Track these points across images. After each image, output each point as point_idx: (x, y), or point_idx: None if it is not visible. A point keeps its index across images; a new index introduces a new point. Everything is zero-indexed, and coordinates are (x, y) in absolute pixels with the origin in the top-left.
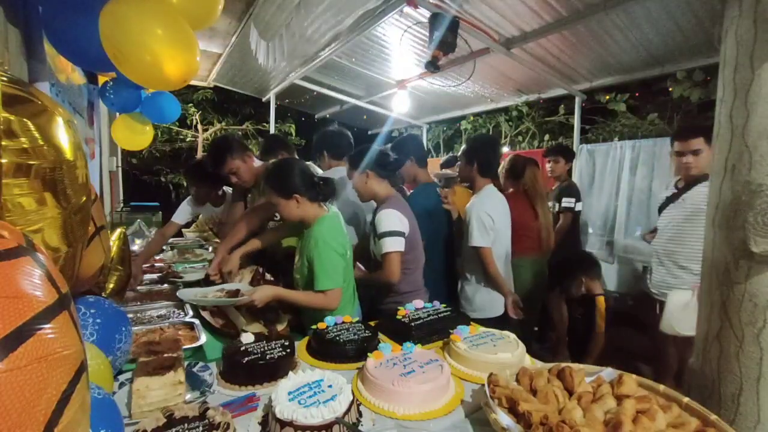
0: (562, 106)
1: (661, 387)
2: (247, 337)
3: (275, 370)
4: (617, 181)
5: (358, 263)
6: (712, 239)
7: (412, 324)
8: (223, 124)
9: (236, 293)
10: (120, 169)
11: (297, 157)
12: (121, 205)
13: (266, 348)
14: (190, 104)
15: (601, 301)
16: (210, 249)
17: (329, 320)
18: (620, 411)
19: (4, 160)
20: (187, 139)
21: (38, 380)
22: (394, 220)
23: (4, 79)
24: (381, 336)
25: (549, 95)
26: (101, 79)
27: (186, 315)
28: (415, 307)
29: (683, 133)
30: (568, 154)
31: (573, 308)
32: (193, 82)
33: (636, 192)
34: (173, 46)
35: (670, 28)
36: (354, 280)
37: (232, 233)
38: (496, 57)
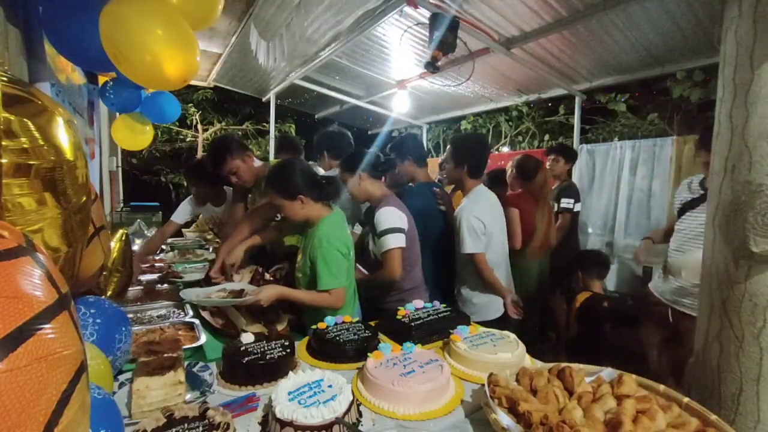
0: (562, 106)
1: (661, 387)
2: (247, 337)
3: (275, 370)
4: (617, 181)
5: (358, 265)
6: (712, 239)
7: (412, 324)
8: (223, 124)
9: (240, 293)
10: (120, 169)
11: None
12: (121, 205)
13: (266, 348)
14: (190, 104)
15: (580, 298)
16: (210, 249)
17: (329, 320)
18: (620, 411)
19: (4, 160)
20: (187, 139)
21: (38, 380)
22: (393, 217)
23: (4, 79)
24: (381, 336)
25: (549, 95)
26: (101, 79)
27: (186, 315)
28: (415, 307)
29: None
30: (569, 154)
31: (569, 306)
32: (193, 82)
33: (636, 192)
34: (173, 46)
35: (670, 28)
36: (355, 280)
37: (234, 234)
38: (496, 57)
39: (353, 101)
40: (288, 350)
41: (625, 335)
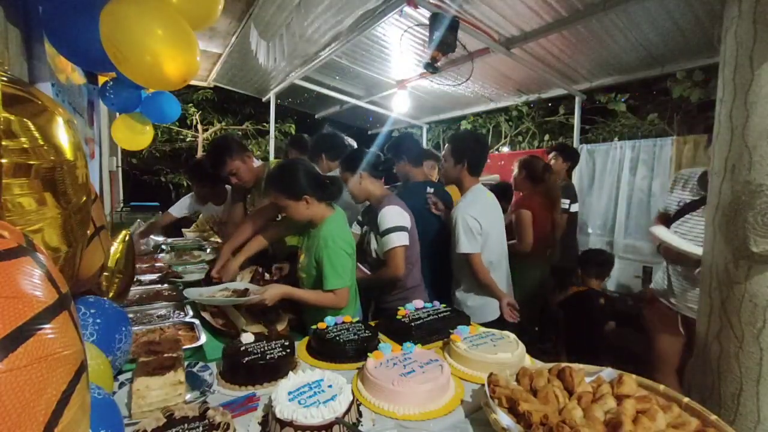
0: (562, 106)
1: (661, 387)
2: (247, 337)
3: (275, 370)
4: (617, 181)
5: (359, 264)
6: (712, 239)
7: (412, 324)
8: (223, 124)
9: (245, 292)
10: (120, 169)
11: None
12: (121, 205)
13: (266, 348)
14: (190, 104)
15: (574, 289)
16: (208, 250)
17: (329, 320)
18: (620, 411)
19: (4, 160)
20: (187, 139)
21: (38, 380)
22: (397, 215)
23: (4, 79)
24: (381, 336)
25: (549, 95)
26: (101, 79)
27: (186, 315)
28: (415, 307)
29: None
30: (567, 153)
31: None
32: (193, 82)
33: (636, 192)
34: (173, 46)
35: (670, 28)
36: (356, 280)
37: (236, 234)
38: (496, 57)
39: (353, 101)
40: (288, 350)
41: (623, 333)
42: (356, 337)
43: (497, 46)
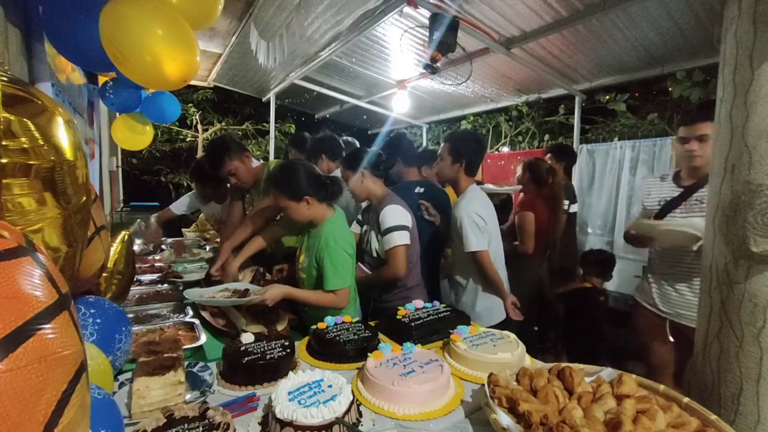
0: (562, 106)
1: (661, 387)
2: (247, 337)
3: (275, 370)
4: (617, 181)
5: (360, 264)
6: (712, 239)
7: (412, 324)
8: (223, 124)
9: (245, 293)
10: (120, 169)
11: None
12: (121, 205)
13: (266, 348)
14: (190, 104)
15: (574, 285)
16: (208, 249)
17: (329, 320)
18: (620, 411)
19: (4, 160)
20: (187, 139)
21: (38, 380)
22: (398, 214)
23: (4, 79)
24: (381, 336)
25: (549, 95)
26: (101, 79)
27: (186, 315)
28: (415, 307)
29: (690, 116)
30: (559, 153)
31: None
32: (193, 82)
33: (636, 192)
34: (173, 46)
35: (670, 28)
36: (355, 280)
37: (236, 234)
38: (496, 57)
39: (353, 101)
40: (288, 350)
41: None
42: (356, 337)
43: (497, 46)
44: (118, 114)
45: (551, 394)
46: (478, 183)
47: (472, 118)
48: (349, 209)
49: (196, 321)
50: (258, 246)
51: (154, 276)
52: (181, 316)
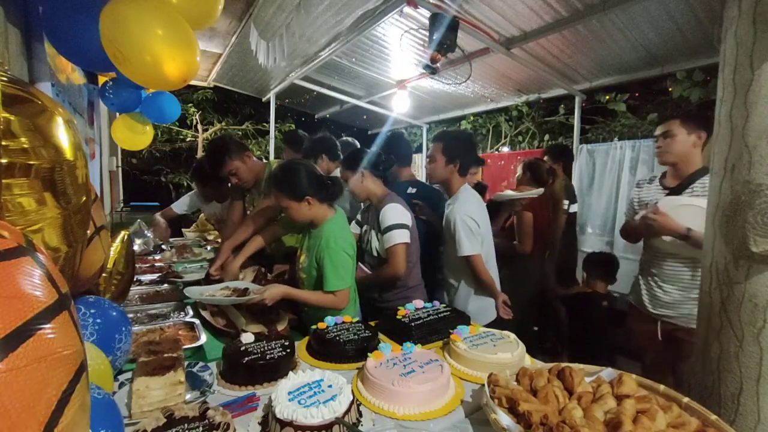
0: (562, 106)
1: (661, 387)
2: (247, 337)
3: (275, 370)
4: (617, 181)
5: (360, 264)
6: (712, 239)
7: (412, 324)
8: (223, 124)
9: (245, 292)
10: (120, 169)
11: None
12: (121, 205)
13: (266, 348)
14: (190, 104)
15: (578, 289)
16: (209, 248)
17: (329, 320)
18: (620, 411)
19: (4, 160)
20: (187, 139)
21: (38, 380)
22: (398, 213)
23: (4, 79)
24: (381, 336)
25: (549, 95)
26: (101, 79)
27: (186, 315)
28: (415, 307)
29: (661, 119)
30: (554, 154)
31: (570, 304)
32: (193, 82)
33: (629, 193)
34: (173, 46)
35: (669, 28)
36: (355, 280)
37: (237, 233)
38: (496, 57)
39: (353, 101)
40: (288, 350)
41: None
42: (356, 337)
43: (497, 46)
44: (118, 114)
45: (551, 394)
46: (479, 183)
47: (472, 118)
48: (352, 207)
49: (196, 321)
50: (258, 245)
51: (154, 276)
52: (181, 315)
